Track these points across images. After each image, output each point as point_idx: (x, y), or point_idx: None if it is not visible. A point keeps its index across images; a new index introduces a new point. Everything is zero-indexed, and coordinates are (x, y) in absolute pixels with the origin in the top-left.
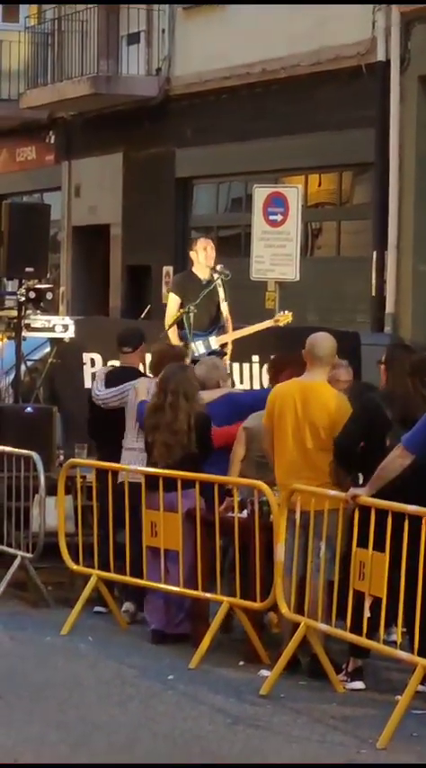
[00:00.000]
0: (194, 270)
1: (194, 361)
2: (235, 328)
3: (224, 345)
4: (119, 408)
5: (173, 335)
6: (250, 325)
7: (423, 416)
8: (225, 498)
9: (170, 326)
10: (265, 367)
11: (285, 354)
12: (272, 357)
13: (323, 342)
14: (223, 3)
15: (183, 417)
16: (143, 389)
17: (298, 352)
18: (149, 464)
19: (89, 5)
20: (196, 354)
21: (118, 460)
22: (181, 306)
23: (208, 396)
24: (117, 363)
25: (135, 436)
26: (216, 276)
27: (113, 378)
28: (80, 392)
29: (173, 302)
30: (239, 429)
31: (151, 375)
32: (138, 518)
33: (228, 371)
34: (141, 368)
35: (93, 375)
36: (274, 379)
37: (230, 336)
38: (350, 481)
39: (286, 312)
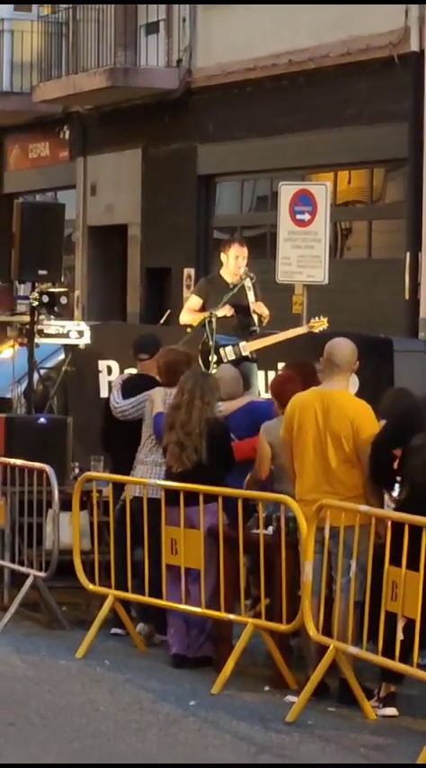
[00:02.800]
0: (222, 272)
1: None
2: (267, 334)
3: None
4: (131, 419)
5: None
6: (282, 330)
7: None
8: (251, 513)
9: (194, 329)
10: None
11: (285, 375)
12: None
13: (341, 348)
14: None
15: (197, 418)
16: (159, 400)
17: (302, 365)
18: (165, 471)
19: None
20: (225, 361)
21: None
22: (202, 309)
23: (228, 407)
24: (134, 371)
25: (149, 449)
26: (245, 278)
27: (130, 386)
28: (95, 401)
29: (190, 301)
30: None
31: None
32: (157, 535)
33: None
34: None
35: (110, 384)
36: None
37: (262, 343)
38: (379, 497)
39: (321, 318)
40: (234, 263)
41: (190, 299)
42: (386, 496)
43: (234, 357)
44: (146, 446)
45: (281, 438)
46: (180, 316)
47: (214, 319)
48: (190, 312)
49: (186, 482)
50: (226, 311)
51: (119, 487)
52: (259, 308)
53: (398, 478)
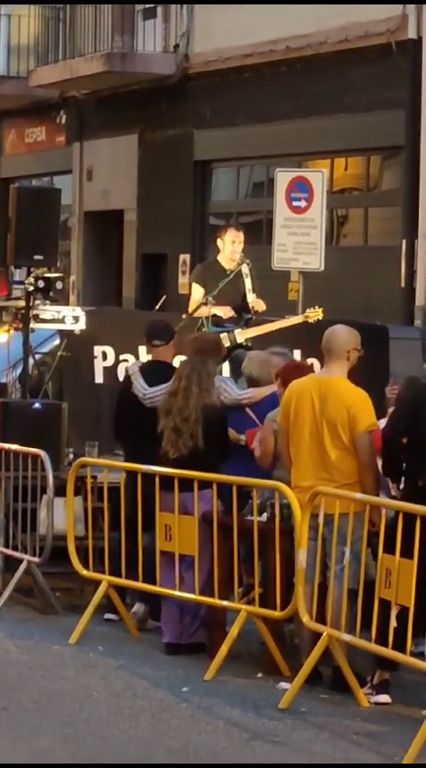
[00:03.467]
0: (219, 258)
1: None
2: (262, 322)
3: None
4: (152, 408)
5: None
6: (277, 318)
7: None
8: (245, 500)
9: (190, 315)
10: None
11: (296, 363)
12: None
13: (339, 334)
14: None
15: (194, 405)
16: None
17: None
18: (159, 455)
19: None
20: None
21: (147, 462)
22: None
23: (258, 393)
24: (130, 357)
25: None
26: (241, 264)
27: (148, 374)
28: (91, 387)
29: (196, 292)
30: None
31: None
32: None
33: None
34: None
35: (105, 369)
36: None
37: (257, 331)
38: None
39: (316, 308)
40: (230, 248)
41: (195, 291)
42: (392, 487)
43: (229, 344)
44: None
45: (278, 424)
46: (189, 309)
47: (210, 306)
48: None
49: (181, 468)
50: (224, 312)
51: (131, 476)
52: (257, 305)
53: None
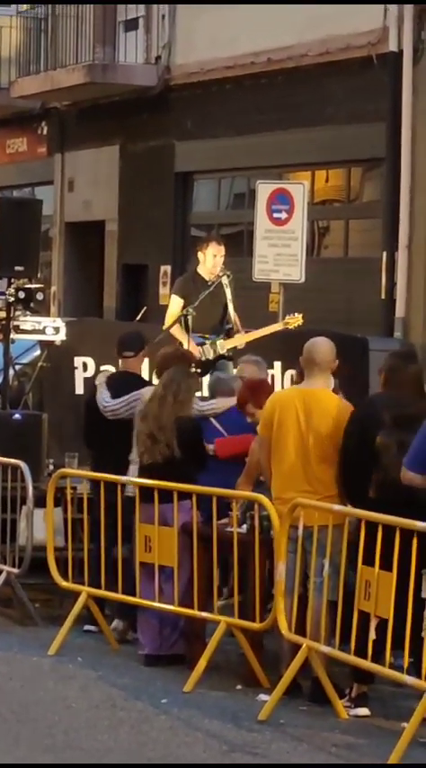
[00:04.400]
0: (198, 270)
1: (205, 364)
2: (244, 332)
3: (232, 350)
4: (121, 418)
5: (181, 337)
6: (258, 328)
7: (417, 436)
8: (225, 511)
9: (168, 328)
10: (287, 373)
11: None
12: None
13: (320, 346)
14: None
15: (167, 415)
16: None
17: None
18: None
19: None
20: (202, 359)
21: (115, 472)
22: (184, 308)
23: (222, 404)
24: (110, 368)
25: None
26: (221, 275)
27: (116, 385)
28: (71, 398)
29: (174, 305)
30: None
31: (156, 379)
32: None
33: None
34: (142, 373)
35: (85, 380)
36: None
37: (238, 340)
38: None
39: (296, 314)
40: (212, 261)
41: (173, 304)
42: None
43: (211, 355)
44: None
45: (259, 435)
46: (166, 322)
47: (190, 317)
48: (180, 330)
49: (156, 474)
50: (238, 342)
51: (97, 484)
52: (232, 313)
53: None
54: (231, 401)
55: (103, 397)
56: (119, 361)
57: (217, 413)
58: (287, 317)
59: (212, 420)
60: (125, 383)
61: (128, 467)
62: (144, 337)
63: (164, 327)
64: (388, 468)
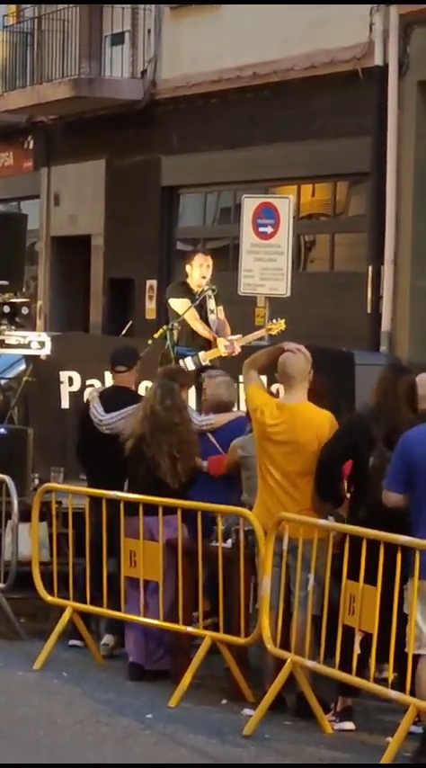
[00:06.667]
0: (187, 282)
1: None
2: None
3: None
4: (116, 433)
5: (201, 328)
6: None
7: (393, 456)
8: (210, 526)
9: (157, 336)
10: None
11: None
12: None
13: (294, 361)
14: (212, 2)
15: (157, 426)
16: None
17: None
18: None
19: (71, 5)
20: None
21: (109, 488)
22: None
23: (219, 420)
24: (96, 383)
25: None
26: (206, 289)
27: (109, 399)
28: (56, 412)
29: (178, 305)
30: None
31: None
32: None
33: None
34: (135, 388)
35: (71, 394)
36: None
37: (219, 351)
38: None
39: (279, 320)
40: (198, 271)
41: (177, 304)
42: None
43: (194, 367)
44: None
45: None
46: (192, 324)
47: (175, 331)
48: (197, 319)
49: (148, 491)
50: (222, 353)
51: (94, 501)
52: (218, 318)
53: (347, 495)
54: (229, 416)
55: (98, 411)
56: (107, 374)
57: (214, 428)
58: (269, 323)
59: (209, 435)
60: (118, 398)
61: (124, 482)
62: (136, 352)
63: (151, 341)
64: (377, 492)
